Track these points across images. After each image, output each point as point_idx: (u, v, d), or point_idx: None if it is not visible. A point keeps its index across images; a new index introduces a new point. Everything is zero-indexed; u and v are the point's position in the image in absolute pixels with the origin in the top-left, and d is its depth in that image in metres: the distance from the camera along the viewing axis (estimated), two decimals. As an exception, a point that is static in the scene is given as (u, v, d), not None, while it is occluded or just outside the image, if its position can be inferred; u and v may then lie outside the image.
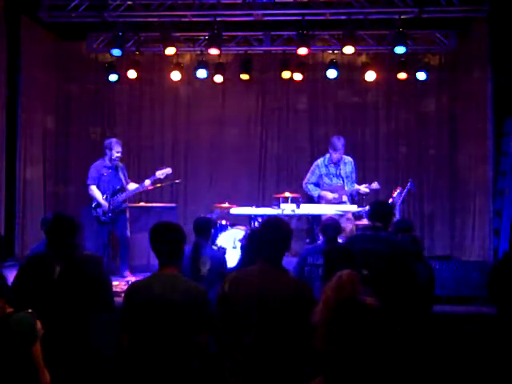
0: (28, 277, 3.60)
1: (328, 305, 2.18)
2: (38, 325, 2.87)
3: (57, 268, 3.53)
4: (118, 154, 7.56)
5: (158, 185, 7.86)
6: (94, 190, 7.51)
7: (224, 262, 5.33)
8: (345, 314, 1.98)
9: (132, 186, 7.76)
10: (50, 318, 3.39)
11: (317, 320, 2.22)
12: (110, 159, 7.55)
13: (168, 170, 7.59)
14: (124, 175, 7.72)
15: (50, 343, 3.24)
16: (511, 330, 2.59)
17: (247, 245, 4.77)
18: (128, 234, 7.70)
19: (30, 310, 2.91)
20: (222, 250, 6.35)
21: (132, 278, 7.12)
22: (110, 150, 7.53)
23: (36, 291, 3.52)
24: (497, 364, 2.92)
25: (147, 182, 7.58)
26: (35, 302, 3.39)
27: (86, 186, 7.62)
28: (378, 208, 4.55)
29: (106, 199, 7.42)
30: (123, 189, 7.61)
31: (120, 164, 7.68)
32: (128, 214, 7.73)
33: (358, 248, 4.17)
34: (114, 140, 7.67)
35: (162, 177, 7.59)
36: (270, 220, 3.44)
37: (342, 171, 7.71)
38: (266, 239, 3.25)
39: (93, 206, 7.52)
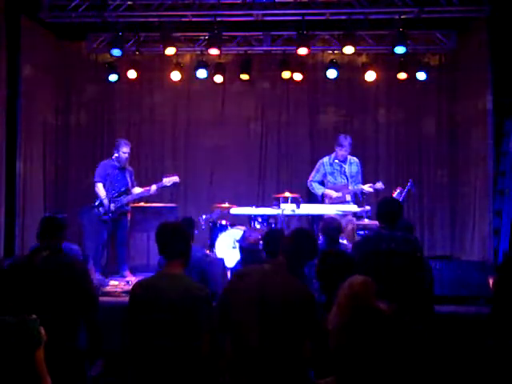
0: (12, 281, 3.59)
1: (343, 312, 2.18)
2: (42, 330, 2.88)
3: (40, 271, 3.55)
4: (125, 155, 7.59)
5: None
6: (100, 188, 7.50)
7: (204, 262, 5.29)
8: (360, 322, 2.00)
9: (137, 190, 7.74)
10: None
11: (332, 325, 2.23)
12: (118, 159, 7.56)
13: (175, 179, 7.61)
14: (130, 178, 7.72)
15: None
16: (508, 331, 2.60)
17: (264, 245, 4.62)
18: (127, 235, 7.69)
19: (34, 316, 2.91)
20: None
21: (132, 278, 7.12)
22: (118, 150, 7.57)
23: (21, 295, 3.52)
24: (496, 364, 2.93)
25: (153, 188, 7.57)
26: (21, 306, 3.40)
27: (93, 184, 7.62)
28: (388, 206, 4.46)
29: (108, 199, 7.41)
30: (128, 191, 7.61)
31: (128, 166, 7.70)
32: (129, 217, 7.71)
33: (382, 248, 4.19)
34: (122, 141, 7.71)
35: (168, 184, 7.63)
36: (300, 232, 3.52)
37: (346, 170, 7.71)
38: (294, 251, 3.31)
39: (96, 203, 7.50)
